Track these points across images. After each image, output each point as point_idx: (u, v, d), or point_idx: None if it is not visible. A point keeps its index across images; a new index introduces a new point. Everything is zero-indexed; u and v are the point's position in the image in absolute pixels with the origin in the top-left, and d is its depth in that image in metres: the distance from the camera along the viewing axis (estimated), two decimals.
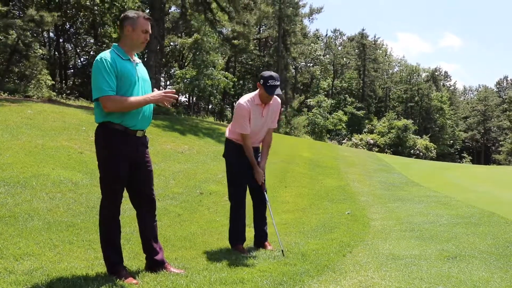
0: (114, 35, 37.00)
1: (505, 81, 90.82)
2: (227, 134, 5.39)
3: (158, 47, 24.10)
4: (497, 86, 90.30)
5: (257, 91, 5.20)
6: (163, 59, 32.43)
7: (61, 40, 36.78)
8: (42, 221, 5.63)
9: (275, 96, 5.18)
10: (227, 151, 5.40)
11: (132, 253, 4.85)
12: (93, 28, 37.53)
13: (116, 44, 3.93)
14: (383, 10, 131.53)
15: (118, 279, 3.74)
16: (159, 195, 8.42)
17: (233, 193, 5.31)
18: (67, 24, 36.11)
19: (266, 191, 5.37)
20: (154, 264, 4.17)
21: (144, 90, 3.94)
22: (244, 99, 5.20)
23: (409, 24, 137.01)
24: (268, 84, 5.01)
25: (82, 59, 41.07)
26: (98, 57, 3.71)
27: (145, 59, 26.31)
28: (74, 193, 7.43)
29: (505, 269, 4.28)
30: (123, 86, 3.76)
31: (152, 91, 3.98)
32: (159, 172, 10.29)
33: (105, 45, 37.59)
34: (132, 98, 3.73)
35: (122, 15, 3.98)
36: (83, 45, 40.45)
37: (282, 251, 4.89)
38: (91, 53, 39.03)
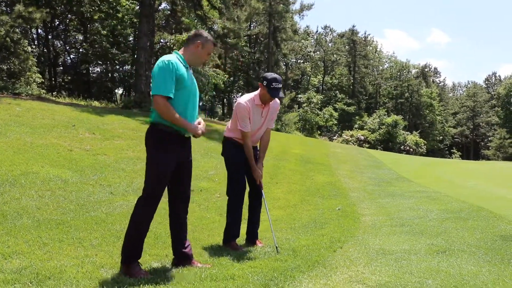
0: (104, 32, 36.78)
1: (493, 77, 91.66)
2: (225, 133, 5.43)
3: (148, 44, 23.92)
4: (486, 82, 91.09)
5: (257, 91, 5.21)
6: (154, 56, 32.21)
7: (50, 37, 36.46)
8: (31, 219, 5.58)
9: (280, 100, 5.28)
10: (225, 149, 5.44)
11: None
12: (83, 25, 37.26)
13: (178, 51, 4.23)
14: (370, 7, 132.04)
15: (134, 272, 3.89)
16: None
17: (231, 189, 5.33)
18: (56, 20, 35.82)
19: (263, 189, 5.42)
20: (183, 258, 4.35)
21: (194, 93, 4.22)
22: (244, 98, 5.22)
23: (396, 21, 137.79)
24: (271, 87, 5.05)
25: (71, 56, 40.78)
26: (166, 59, 3.98)
27: (135, 56, 26.19)
28: (64, 191, 7.37)
29: (493, 262, 4.33)
30: (178, 87, 4.01)
31: (198, 100, 4.31)
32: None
33: (95, 42, 37.39)
34: (178, 116, 3.99)
35: (196, 31, 4.33)
36: (73, 42, 40.15)
37: (277, 247, 4.91)
38: (81, 50, 38.79)
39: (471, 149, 79.36)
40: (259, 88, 5.18)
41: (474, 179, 14.42)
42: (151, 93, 4.03)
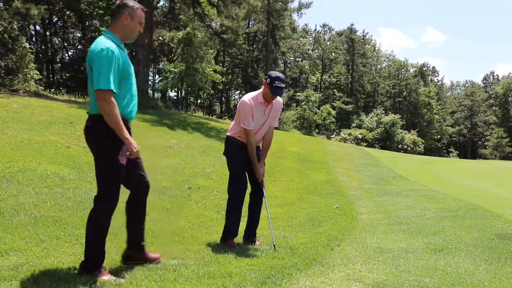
0: (102, 29, 36.67)
1: (491, 76, 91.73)
2: (227, 132, 5.42)
3: (146, 41, 23.87)
4: (484, 81, 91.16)
5: (261, 90, 5.21)
6: (152, 54, 32.16)
7: (48, 34, 36.35)
8: (29, 216, 5.57)
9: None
10: (227, 148, 5.42)
11: (120, 248, 4.82)
12: (81, 22, 37.15)
13: (108, 30, 3.82)
14: (366, 5, 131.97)
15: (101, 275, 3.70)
16: None
17: (232, 188, 5.31)
18: (54, 17, 35.69)
19: (264, 187, 5.42)
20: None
21: (134, 81, 3.95)
22: (248, 96, 5.22)
23: (391, 20, 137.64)
24: (274, 85, 5.04)
25: (69, 53, 40.66)
26: (104, 46, 3.58)
27: (133, 53, 26.12)
28: (61, 188, 7.36)
29: (489, 261, 4.34)
30: (123, 77, 3.72)
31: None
32: (147, 167, 10.20)
33: (93, 39, 37.27)
34: (120, 121, 3.69)
35: (119, 1, 3.80)
36: (71, 39, 40.04)
37: (274, 245, 4.91)
38: (79, 47, 38.69)
39: (468, 148, 79.49)
40: (263, 86, 5.18)
41: (471, 178, 14.46)
42: (94, 88, 3.57)
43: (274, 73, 5.13)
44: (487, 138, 73.41)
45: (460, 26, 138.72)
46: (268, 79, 5.09)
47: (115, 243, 4.61)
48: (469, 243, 5.09)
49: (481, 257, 4.51)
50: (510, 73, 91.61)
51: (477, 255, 4.59)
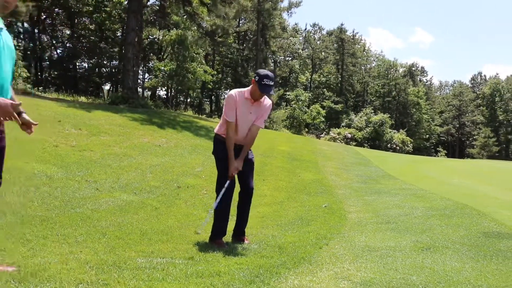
0: (91, 27, 36.47)
1: (479, 77, 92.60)
2: (215, 130, 5.41)
3: (136, 39, 23.75)
4: (472, 81, 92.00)
5: (249, 87, 5.21)
6: (141, 52, 32.02)
7: (36, 31, 36.01)
8: (15, 216, 5.52)
9: (268, 97, 5.24)
10: (216, 147, 5.40)
11: (108, 247, 4.80)
12: (70, 19, 36.86)
13: None
14: (356, 5, 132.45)
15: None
16: (135, 188, 8.35)
17: (220, 187, 5.27)
18: (43, 14, 35.37)
19: (232, 179, 5.33)
20: None
21: (8, 59, 3.45)
22: (235, 90, 5.25)
23: (380, 20, 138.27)
24: (262, 83, 5.04)
25: (58, 51, 40.32)
26: None
27: (123, 51, 25.97)
28: (49, 187, 7.31)
29: (476, 259, 4.39)
30: None
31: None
32: (136, 166, 10.20)
33: (83, 37, 37.04)
34: None
35: None
36: (60, 36, 39.70)
37: None
38: (68, 45, 38.40)
39: (456, 147, 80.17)
40: (252, 84, 5.18)
41: (459, 177, 14.59)
42: None
43: (263, 71, 5.14)
44: (474, 137, 74.17)
45: (447, 27, 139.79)
46: (256, 77, 5.09)
47: None
48: (456, 241, 5.14)
49: (467, 255, 4.56)
50: (497, 74, 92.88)
51: (463, 253, 4.63)
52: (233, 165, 5.17)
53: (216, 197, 5.26)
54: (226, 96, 5.29)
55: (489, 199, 9.01)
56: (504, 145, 72.62)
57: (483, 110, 77.17)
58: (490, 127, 72.41)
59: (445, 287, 3.62)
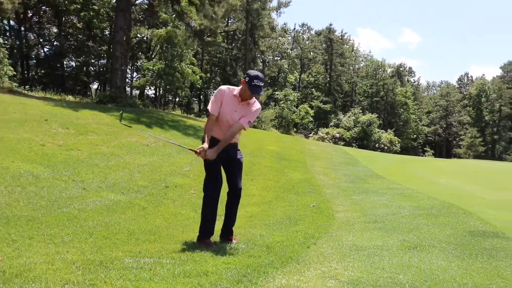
0: (79, 25, 36.17)
1: (466, 77, 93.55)
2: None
3: (125, 38, 23.61)
4: (459, 82, 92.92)
5: (239, 87, 5.20)
6: (130, 51, 31.79)
7: (23, 29, 35.61)
8: (0, 216, 5.46)
9: (256, 99, 5.24)
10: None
11: (95, 247, 4.76)
12: (57, 17, 36.51)
13: None
14: (344, 5, 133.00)
15: None
16: (123, 188, 8.30)
17: (207, 186, 5.26)
18: (30, 12, 34.99)
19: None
20: None
21: None
22: (226, 86, 5.28)
23: (368, 20, 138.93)
24: (253, 84, 5.04)
25: (45, 49, 39.91)
26: None
27: (111, 50, 25.80)
28: (35, 187, 7.24)
29: (462, 257, 4.43)
30: None
31: None
32: (124, 165, 10.14)
33: (70, 35, 36.73)
34: None
35: None
36: (47, 34, 39.31)
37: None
38: (55, 43, 38.05)
39: (443, 147, 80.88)
40: (241, 85, 5.18)
41: (445, 177, 14.71)
42: None
43: (253, 72, 5.13)
44: (461, 137, 74.91)
45: (434, 27, 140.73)
46: (247, 77, 5.08)
47: None
48: (442, 240, 5.18)
49: (453, 253, 4.60)
50: (483, 75, 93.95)
51: (449, 251, 4.67)
52: (204, 147, 5.08)
53: (204, 198, 5.26)
54: (216, 91, 5.27)
55: (475, 199, 9.10)
56: (490, 145, 73.44)
57: (470, 111, 77.99)
58: (476, 127, 73.21)
59: (431, 285, 3.65)
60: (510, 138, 74.93)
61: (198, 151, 5.12)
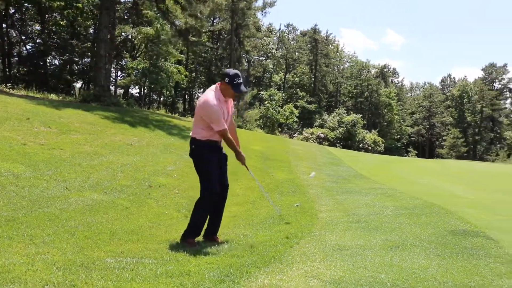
0: (63, 23, 35.77)
1: (448, 78, 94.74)
2: (199, 137, 5.24)
3: (109, 37, 23.40)
4: (442, 83, 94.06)
5: (215, 89, 5.18)
6: (114, 50, 31.50)
7: (4, 26, 35.04)
8: None
9: (241, 99, 5.32)
10: (204, 153, 5.28)
11: (77, 247, 4.72)
12: (40, 14, 36.02)
13: None
14: (328, 5, 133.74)
15: None
16: (106, 187, 8.24)
17: (208, 189, 5.25)
18: (11, 9, 34.44)
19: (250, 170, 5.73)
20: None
21: None
22: (212, 98, 5.12)
23: (353, 21, 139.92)
24: (235, 82, 5.10)
25: (28, 47, 39.34)
26: None
27: (95, 48, 25.54)
28: (16, 186, 7.13)
29: (442, 256, 4.49)
30: None
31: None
32: (107, 165, 10.05)
33: (53, 33, 36.29)
34: None
35: None
36: (29, 32, 38.74)
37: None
38: (38, 40, 37.53)
39: (426, 148, 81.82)
40: (218, 85, 5.18)
41: (428, 177, 14.88)
42: None
43: (231, 71, 5.15)
44: (444, 138, 75.87)
45: (418, 29, 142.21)
46: (226, 78, 5.08)
47: None
48: (424, 239, 5.23)
49: (434, 252, 4.65)
50: (465, 76, 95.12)
51: (431, 250, 4.72)
52: (243, 156, 5.52)
53: (202, 201, 5.29)
54: (208, 107, 5.10)
55: (456, 198, 9.21)
56: (472, 146, 74.53)
57: (452, 112, 79.03)
58: (458, 128, 74.24)
59: (412, 284, 3.69)
60: (491, 139, 76.24)
61: (245, 165, 5.65)
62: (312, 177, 9.53)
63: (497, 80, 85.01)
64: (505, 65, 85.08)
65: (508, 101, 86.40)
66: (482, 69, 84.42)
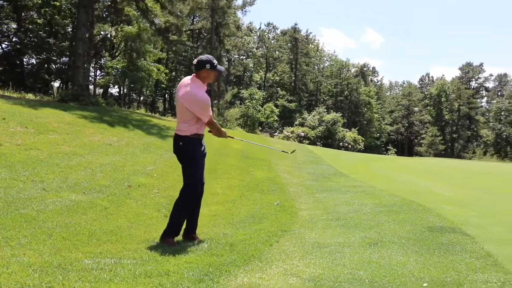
0: (40, 21, 35.20)
1: (427, 77, 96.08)
2: (187, 133, 5.20)
3: (88, 35, 23.10)
4: (420, 82, 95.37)
5: (195, 79, 5.20)
6: (93, 48, 31.10)
7: None
8: None
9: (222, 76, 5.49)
10: (194, 148, 5.26)
11: (54, 248, 4.65)
12: (16, 12, 35.37)
13: None
14: (309, 5, 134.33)
15: None
16: (84, 188, 8.14)
17: (193, 188, 5.25)
18: None
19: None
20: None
21: None
22: (198, 90, 5.16)
23: (333, 20, 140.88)
24: (215, 65, 5.22)
25: (3, 46, 38.59)
26: None
27: (74, 47, 25.19)
28: None
29: (420, 252, 4.55)
30: None
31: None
32: (86, 165, 9.93)
33: (30, 32, 35.68)
34: None
35: None
36: (5, 30, 38.02)
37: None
38: (14, 39, 36.84)
39: (405, 146, 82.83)
40: (199, 74, 5.19)
41: (407, 174, 15.06)
42: None
43: (208, 57, 5.28)
44: (422, 136, 76.96)
45: (397, 28, 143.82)
46: (208, 65, 5.18)
47: None
48: (402, 236, 5.30)
49: (412, 249, 4.71)
50: (443, 75, 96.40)
51: (408, 247, 4.79)
52: (225, 131, 5.69)
53: (185, 199, 5.27)
54: (200, 98, 5.11)
55: (434, 195, 9.34)
56: (449, 144, 75.78)
57: (430, 110, 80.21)
58: (436, 126, 75.38)
59: (390, 280, 3.73)
60: (468, 137, 77.61)
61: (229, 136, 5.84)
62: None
63: (473, 79, 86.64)
64: (481, 64, 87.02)
65: (484, 99, 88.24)
66: (459, 68, 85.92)
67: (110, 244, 5.05)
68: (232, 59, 59.76)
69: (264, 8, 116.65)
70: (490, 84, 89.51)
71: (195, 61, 5.26)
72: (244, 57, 65.33)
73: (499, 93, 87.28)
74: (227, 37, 46.11)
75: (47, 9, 32.29)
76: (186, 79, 5.27)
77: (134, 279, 3.64)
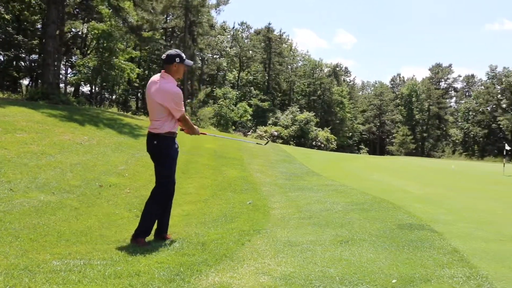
0: (7, 17, 34.33)
1: (398, 78, 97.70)
2: (161, 131, 5.11)
3: (58, 32, 22.62)
4: (391, 82, 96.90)
5: (165, 74, 5.16)
6: (63, 46, 30.47)
7: None
8: None
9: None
10: (172, 147, 5.21)
11: (20, 250, 4.55)
12: None
13: None
14: (282, 5, 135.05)
15: None
16: (54, 188, 7.98)
17: (167, 188, 5.23)
18: None
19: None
20: None
21: None
22: (171, 83, 5.14)
23: (305, 21, 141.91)
24: (184, 59, 5.23)
25: None
26: None
27: (44, 44, 24.64)
28: None
29: (389, 249, 4.62)
30: None
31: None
32: (56, 165, 9.74)
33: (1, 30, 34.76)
34: None
35: None
36: None
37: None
38: None
39: (377, 145, 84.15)
40: (169, 69, 5.16)
41: (378, 173, 15.30)
42: None
43: (176, 51, 5.30)
44: (393, 135, 78.26)
45: (369, 29, 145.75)
46: (178, 59, 5.18)
47: None
48: (372, 233, 5.37)
49: (382, 246, 4.79)
50: (413, 76, 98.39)
51: (379, 244, 4.86)
52: (197, 128, 5.62)
53: (158, 198, 5.22)
54: (173, 93, 5.06)
55: (404, 193, 9.51)
56: (420, 143, 77.32)
57: (401, 110, 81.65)
58: (407, 125, 76.82)
59: (360, 277, 3.78)
60: (438, 136, 79.29)
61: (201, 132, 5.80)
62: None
63: (443, 80, 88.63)
64: (450, 65, 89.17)
65: (453, 99, 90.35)
66: (429, 69, 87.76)
67: (80, 245, 4.97)
68: (206, 58, 59.47)
69: (238, 8, 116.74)
70: (458, 85, 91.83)
71: (164, 56, 5.21)
72: (218, 56, 65.14)
73: (467, 94, 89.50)
74: (201, 36, 45.88)
75: (15, 4, 31.48)
76: (155, 77, 5.23)
77: (104, 280, 3.59)
